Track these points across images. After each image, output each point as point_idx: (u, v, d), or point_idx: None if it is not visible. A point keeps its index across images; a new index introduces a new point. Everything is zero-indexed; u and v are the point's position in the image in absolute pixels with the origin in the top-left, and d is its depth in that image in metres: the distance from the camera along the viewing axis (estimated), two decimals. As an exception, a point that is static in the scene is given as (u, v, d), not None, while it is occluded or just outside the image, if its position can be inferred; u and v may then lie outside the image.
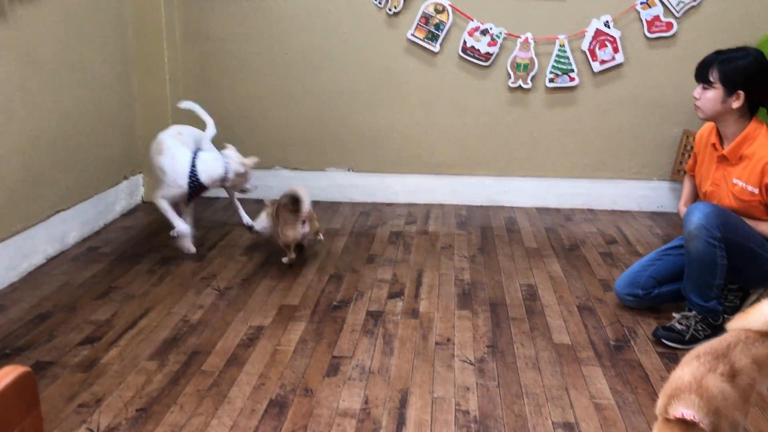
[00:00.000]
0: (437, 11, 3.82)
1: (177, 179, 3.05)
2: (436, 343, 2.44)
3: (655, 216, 3.98)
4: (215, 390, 2.13)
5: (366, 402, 2.08)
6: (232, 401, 2.07)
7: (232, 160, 3.15)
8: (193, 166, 3.05)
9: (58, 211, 3.23)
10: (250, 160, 3.20)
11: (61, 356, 2.31)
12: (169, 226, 3.23)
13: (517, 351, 2.40)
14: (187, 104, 3.44)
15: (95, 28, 3.46)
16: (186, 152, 3.09)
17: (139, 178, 4.01)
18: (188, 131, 3.27)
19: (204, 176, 3.08)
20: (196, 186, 3.08)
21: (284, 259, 3.13)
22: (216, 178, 3.11)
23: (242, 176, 3.19)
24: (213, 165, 3.10)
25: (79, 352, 2.35)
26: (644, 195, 4.05)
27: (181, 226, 3.16)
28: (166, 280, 2.97)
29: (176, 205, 3.19)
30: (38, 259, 3.08)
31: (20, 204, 2.95)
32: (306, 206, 3.04)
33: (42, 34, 3.03)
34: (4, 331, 2.47)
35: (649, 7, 3.73)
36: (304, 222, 3.08)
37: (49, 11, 3.07)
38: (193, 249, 3.23)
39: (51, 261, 3.15)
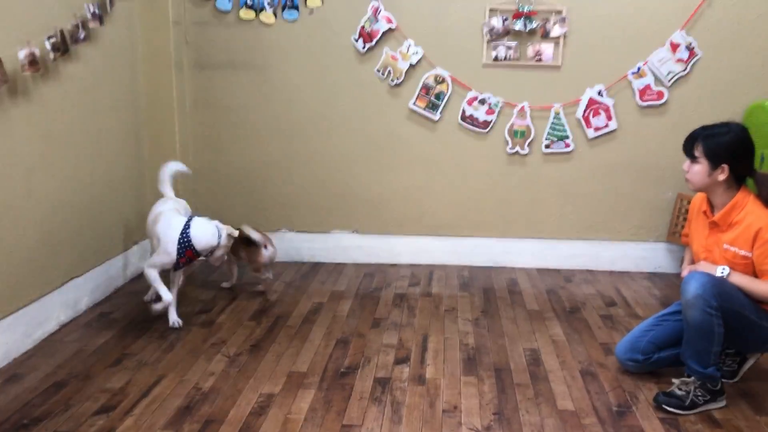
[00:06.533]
0: (437, 82, 3.99)
1: (168, 247, 3.16)
2: (443, 411, 2.50)
3: (653, 277, 4.07)
4: (229, 460, 2.18)
5: (377, 472, 2.13)
6: (246, 472, 2.12)
7: (224, 227, 3.27)
8: (186, 233, 3.16)
9: (71, 278, 3.31)
10: (234, 231, 3.31)
11: (77, 426, 2.36)
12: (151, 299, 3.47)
13: (522, 418, 2.46)
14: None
15: (109, 100, 3.61)
16: (181, 220, 3.22)
17: (148, 243, 4.11)
18: (182, 203, 3.48)
19: (198, 242, 3.17)
20: (184, 253, 3.17)
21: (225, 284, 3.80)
22: (209, 244, 3.20)
23: (227, 246, 3.29)
24: (208, 231, 3.20)
25: (96, 422, 2.40)
26: (642, 256, 4.15)
27: (166, 294, 3.19)
28: (177, 346, 3.04)
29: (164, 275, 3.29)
30: (52, 326, 3.15)
31: (37, 272, 3.04)
32: (258, 235, 3.58)
33: (61, 110, 3.17)
34: (21, 401, 2.53)
35: (640, 77, 3.90)
36: (266, 246, 3.63)
37: (68, 87, 3.21)
38: (178, 321, 3.25)
39: (64, 327, 3.22)
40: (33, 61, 2.85)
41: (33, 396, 2.57)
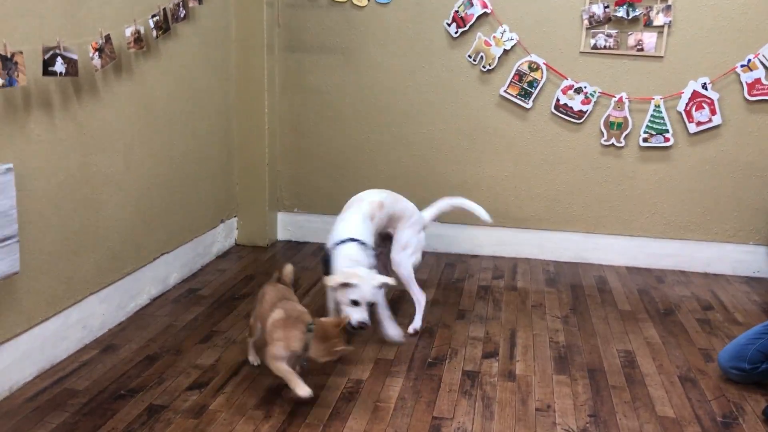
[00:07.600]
0: (531, 69, 3.87)
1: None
2: (537, 409, 2.42)
3: (751, 281, 3.86)
4: (321, 445, 2.17)
5: (471, 468, 2.08)
6: (338, 458, 2.11)
7: None
8: None
9: (162, 254, 3.37)
10: None
11: (172, 400, 2.40)
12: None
13: (620, 422, 2.36)
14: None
15: (203, 79, 3.64)
16: None
17: (234, 222, 4.16)
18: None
19: None
20: None
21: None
22: None
23: None
24: None
25: (189, 397, 2.43)
26: (739, 259, 3.94)
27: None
28: (264, 326, 3.05)
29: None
30: (143, 300, 3.22)
31: (132, 246, 3.10)
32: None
33: (159, 87, 3.22)
34: (117, 371, 2.59)
35: (750, 70, 3.68)
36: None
37: (167, 65, 3.26)
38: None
39: (155, 301, 3.28)
40: (138, 39, 2.89)
41: (128, 367, 2.63)
